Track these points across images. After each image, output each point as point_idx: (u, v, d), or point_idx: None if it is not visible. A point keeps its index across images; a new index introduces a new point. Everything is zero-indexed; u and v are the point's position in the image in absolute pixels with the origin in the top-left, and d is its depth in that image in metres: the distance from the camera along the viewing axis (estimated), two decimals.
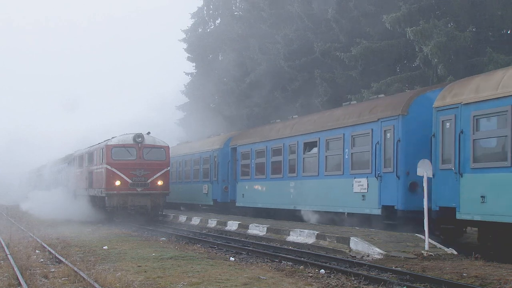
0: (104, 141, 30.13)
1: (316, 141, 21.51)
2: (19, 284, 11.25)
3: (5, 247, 16.94)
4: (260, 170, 25.80)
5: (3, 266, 13.68)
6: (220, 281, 11.21)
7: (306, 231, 17.97)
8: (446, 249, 14.49)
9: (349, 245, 15.53)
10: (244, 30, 40.27)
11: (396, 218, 17.57)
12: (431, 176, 14.43)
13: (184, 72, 49.80)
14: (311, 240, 17.25)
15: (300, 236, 18.07)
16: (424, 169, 14.41)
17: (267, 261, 14.76)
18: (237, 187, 28.20)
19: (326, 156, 20.98)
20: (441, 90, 15.98)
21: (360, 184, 19.01)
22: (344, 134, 19.90)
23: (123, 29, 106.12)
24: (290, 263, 14.27)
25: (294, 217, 23.16)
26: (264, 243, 18.64)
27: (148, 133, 29.49)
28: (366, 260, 14.01)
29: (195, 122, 44.59)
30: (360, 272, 12.20)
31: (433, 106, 15.68)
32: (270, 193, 24.94)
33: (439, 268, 12.16)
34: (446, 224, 15.23)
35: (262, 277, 11.58)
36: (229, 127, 37.14)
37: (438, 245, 14.74)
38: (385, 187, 17.87)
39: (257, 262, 14.47)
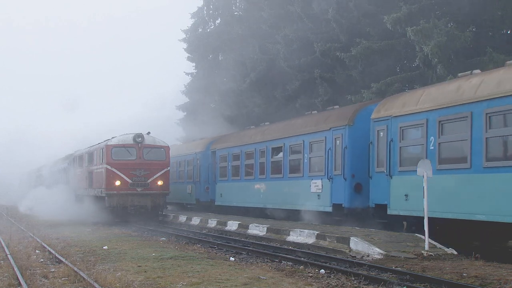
0: (104, 141, 30.13)
1: (281, 147, 23.97)
2: (19, 284, 11.25)
3: (5, 247, 16.94)
4: (235, 172, 28.13)
5: (3, 266, 13.68)
6: (220, 281, 11.21)
7: (306, 231, 17.98)
8: (446, 249, 14.49)
9: (349, 245, 15.53)
10: (244, 30, 40.26)
11: (343, 215, 20.16)
12: (431, 175, 14.44)
13: (184, 72, 49.82)
14: (311, 240, 17.25)
15: (300, 236, 18.07)
16: (424, 169, 14.41)
17: (267, 261, 14.77)
18: (216, 187, 30.46)
19: (289, 160, 23.41)
20: (378, 104, 18.70)
21: (316, 185, 21.44)
22: (303, 140, 22.39)
23: (123, 29, 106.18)
24: (290, 263, 14.28)
25: (264, 214, 25.46)
26: (264, 243, 18.64)
27: (148, 133, 29.50)
28: (366, 260, 14.01)
29: (195, 122, 44.57)
30: (360, 272, 12.21)
31: (371, 117, 18.40)
32: (243, 193, 27.08)
33: (439, 268, 12.16)
34: (381, 219, 17.80)
35: (262, 277, 11.58)
36: (229, 127, 37.13)
37: (438, 245, 14.75)
38: (335, 187, 20.33)
39: (257, 262, 14.47)
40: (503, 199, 13.29)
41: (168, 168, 29.58)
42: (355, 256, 14.65)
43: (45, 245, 17.77)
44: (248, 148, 26.75)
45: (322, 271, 12.67)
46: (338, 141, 20.35)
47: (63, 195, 35.77)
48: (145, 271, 12.52)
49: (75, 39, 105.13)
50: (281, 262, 14.62)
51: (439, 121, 15.65)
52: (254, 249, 17.33)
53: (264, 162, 25.28)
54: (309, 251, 16.06)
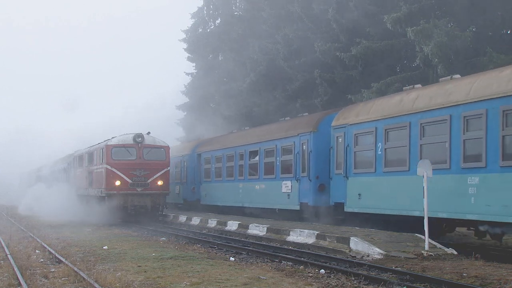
0: (104, 141, 30.12)
1: (257, 150, 26.04)
2: (19, 284, 11.25)
3: (5, 247, 16.94)
4: (218, 173, 30.31)
5: (3, 266, 13.68)
6: (220, 281, 11.21)
7: (306, 231, 17.98)
8: (446, 249, 14.49)
9: (349, 245, 15.53)
10: (244, 30, 40.25)
11: (309, 213, 22.14)
12: (431, 175, 14.45)
13: (184, 72, 49.83)
14: (311, 240, 17.25)
15: (300, 236, 18.07)
16: (424, 169, 14.41)
17: (267, 261, 14.76)
18: (201, 188, 32.62)
19: (264, 162, 25.50)
20: (337, 113, 20.91)
21: (286, 186, 23.55)
22: (276, 145, 24.52)
23: (123, 29, 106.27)
24: (290, 263, 14.27)
25: (242, 213, 27.43)
26: (264, 243, 18.64)
27: (148, 133, 29.49)
28: (366, 260, 14.01)
29: (195, 122, 44.60)
30: (360, 272, 12.20)
31: (331, 125, 20.64)
32: (225, 193, 29.27)
33: (439, 268, 12.16)
34: (340, 216, 20.35)
35: (262, 277, 11.58)
36: (229, 127, 37.17)
37: (438, 245, 14.75)
38: (302, 188, 22.42)
39: (257, 262, 14.47)
40: (435, 197, 15.08)
41: (168, 168, 29.58)
42: (355, 256, 14.65)
43: (45, 245, 17.77)
44: (229, 152, 28.88)
45: (322, 271, 12.67)
46: (304, 146, 22.36)
47: (63, 195, 35.77)
48: (145, 271, 12.51)
49: (75, 39, 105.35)
50: (281, 262, 14.62)
51: (385, 129, 17.83)
52: (254, 249, 17.32)
53: (243, 164, 27.35)
54: (309, 251, 16.06)
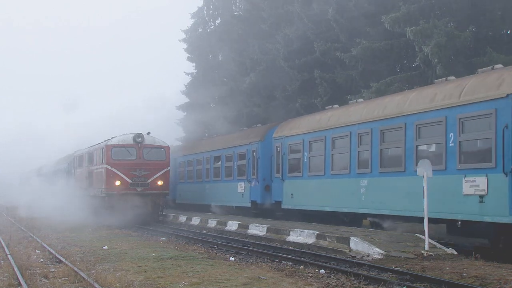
0: (104, 141, 30.12)
1: (220, 156, 30.39)
2: (19, 284, 11.25)
3: (5, 247, 16.95)
4: (190, 176, 34.89)
5: (3, 266, 13.69)
6: (220, 281, 11.21)
7: (306, 231, 17.98)
8: (446, 249, 14.49)
9: (349, 245, 15.53)
10: (244, 30, 40.23)
11: (257, 209, 26.44)
12: (431, 176, 14.46)
13: (184, 72, 49.79)
14: (311, 240, 17.26)
15: (300, 236, 18.08)
16: (424, 169, 14.41)
17: (267, 261, 14.77)
18: (176, 188, 36.45)
19: (225, 166, 29.83)
20: (278, 126, 25.64)
21: (241, 187, 27.66)
22: (234, 151, 28.80)
23: (123, 29, 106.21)
24: (290, 263, 14.28)
25: (209, 210, 31.54)
26: (264, 243, 18.65)
27: (148, 133, 29.49)
28: (366, 260, 14.01)
29: (195, 122, 44.58)
30: (360, 272, 12.21)
31: (272, 136, 25.24)
32: (195, 192, 33.39)
33: (439, 268, 12.17)
34: (279, 212, 24.93)
35: (262, 277, 11.58)
36: (229, 127, 37.18)
37: (438, 245, 14.76)
38: (253, 188, 26.54)
39: (257, 262, 14.48)
40: (340, 196, 20.13)
41: (168, 168, 29.58)
42: (355, 256, 14.65)
43: (45, 245, 17.77)
44: (199, 156, 33.42)
45: (322, 271, 12.67)
46: (254, 153, 26.64)
47: (63, 196, 35.75)
48: (145, 271, 12.51)
49: (75, 39, 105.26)
50: (281, 262, 14.62)
51: (309, 141, 22.25)
52: (254, 249, 17.33)
53: (209, 168, 31.93)
54: (309, 251, 16.06)
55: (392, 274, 11.97)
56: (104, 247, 17.33)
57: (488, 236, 14.91)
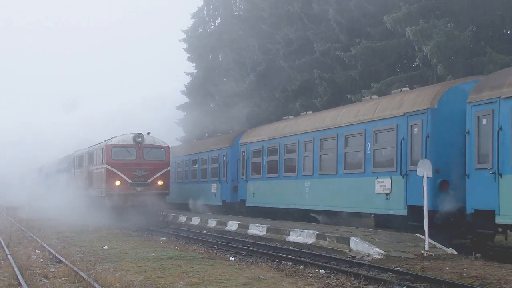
0: (104, 141, 30.12)
1: (197, 159, 33.85)
2: (19, 284, 11.25)
3: (5, 247, 16.94)
4: (172, 177, 36.13)
5: (3, 266, 13.68)
6: (220, 281, 11.21)
7: (306, 231, 17.98)
8: (446, 249, 14.49)
9: (349, 245, 15.53)
10: (244, 30, 40.22)
11: (227, 207, 29.76)
12: (431, 176, 14.47)
13: (184, 72, 49.78)
14: (311, 240, 17.26)
15: (300, 236, 18.08)
16: (424, 169, 14.42)
17: (267, 261, 14.77)
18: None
19: (201, 169, 33.20)
20: (244, 134, 28.85)
21: (214, 187, 31.04)
22: (208, 155, 32.30)
23: (123, 29, 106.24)
24: (290, 263, 14.28)
25: (187, 208, 33.92)
26: (264, 243, 18.65)
27: (148, 133, 29.49)
28: (366, 260, 14.01)
29: (195, 122, 44.56)
30: (360, 272, 12.21)
31: (239, 142, 28.49)
32: (178, 192, 34.78)
33: (439, 268, 12.17)
34: (245, 209, 27.76)
35: (262, 277, 11.58)
36: (228, 127, 37.19)
37: (438, 245, 14.75)
38: (223, 188, 30.02)
39: (257, 262, 14.48)
40: (290, 195, 23.53)
41: (168, 168, 29.58)
42: (355, 256, 14.65)
43: (45, 245, 17.76)
44: (179, 159, 36.41)
45: (322, 271, 12.67)
46: (224, 157, 29.92)
47: (63, 196, 35.75)
48: (145, 271, 12.51)
49: (75, 39, 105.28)
50: (281, 262, 14.62)
51: (268, 147, 25.51)
52: (254, 249, 17.33)
53: (187, 170, 35.46)
54: (309, 251, 16.06)
55: (392, 274, 11.98)
56: (104, 247, 17.32)
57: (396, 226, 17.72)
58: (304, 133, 22.66)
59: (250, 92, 37.23)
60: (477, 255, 13.38)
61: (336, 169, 20.38)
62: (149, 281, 11.31)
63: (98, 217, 28.54)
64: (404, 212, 16.85)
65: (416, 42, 24.43)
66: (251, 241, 19.56)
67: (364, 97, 25.98)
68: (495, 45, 23.89)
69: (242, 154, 27.83)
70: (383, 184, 17.78)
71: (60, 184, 39.50)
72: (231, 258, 15.33)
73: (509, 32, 25.57)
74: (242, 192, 27.77)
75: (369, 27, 28.30)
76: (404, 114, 17.13)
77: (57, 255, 15.28)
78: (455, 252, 14.22)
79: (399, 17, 25.19)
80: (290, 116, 26.66)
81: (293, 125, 24.19)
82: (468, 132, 14.74)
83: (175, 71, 70.86)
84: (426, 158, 15.62)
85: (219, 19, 49.54)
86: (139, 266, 13.35)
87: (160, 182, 28.79)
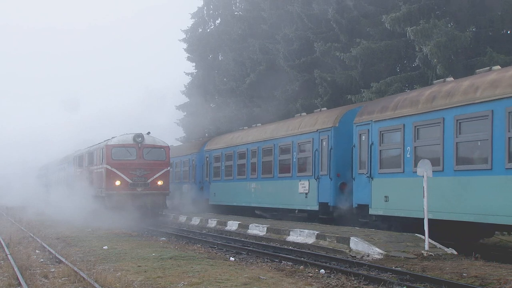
0: (104, 141, 30.10)
1: (179, 162, 36.93)
2: (19, 284, 11.25)
3: (5, 247, 16.93)
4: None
5: (3, 266, 13.68)
6: (220, 281, 11.21)
7: (306, 231, 17.98)
8: (446, 249, 14.49)
9: (349, 245, 15.53)
10: (244, 30, 40.22)
11: (195, 205, 32.87)
12: (431, 176, 14.49)
13: (184, 72, 49.79)
14: (311, 240, 17.25)
15: (300, 236, 18.08)
16: (424, 169, 14.42)
17: (267, 261, 14.77)
18: None
19: (175, 171, 36.63)
20: (209, 141, 33.79)
21: (186, 187, 35.21)
22: (181, 160, 36.30)
23: (123, 30, 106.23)
24: (290, 263, 14.28)
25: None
26: (264, 243, 18.65)
27: (148, 133, 29.48)
28: (366, 260, 14.01)
29: (195, 122, 44.54)
30: (360, 272, 12.21)
31: (204, 149, 33.03)
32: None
33: (439, 268, 12.17)
34: (208, 206, 31.46)
35: (262, 277, 11.58)
36: (228, 127, 37.18)
37: (438, 245, 14.76)
38: (192, 189, 34.15)
39: (257, 262, 14.48)
40: (241, 194, 27.60)
41: (168, 168, 29.57)
42: (355, 256, 14.65)
43: (45, 245, 17.76)
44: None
45: (322, 271, 12.67)
46: (193, 161, 34.46)
47: (63, 196, 35.72)
48: (145, 271, 12.51)
49: (75, 40, 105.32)
50: (281, 262, 14.62)
51: (225, 154, 29.90)
52: (254, 249, 17.33)
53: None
54: (309, 251, 16.06)
55: (392, 274, 11.98)
56: (104, 247, 17.32)
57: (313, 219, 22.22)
58: (251, 142, 27.09)
59: (250, 92, 37.22)
60: (477, 255, 13.38)
61: (273, 173, 25.01)
62: (149, 281, 11.31)
63: (98, 217, 28.50)
64: (316, 207, 21.57)
65: (416, 42, 24.43)
66: (251, 241, 19.57)
67: (364, 97, 26.06)
68: (495, 45, 23.88)
69: (206, 159, 32.48)
70: (303, 186, 22.45)
71: (60, 184, 39.45)
72: (231, 258, 15.33)
73: (509, 32, 25.56)
74: (206, 192, 32.30)
75: (369, 27, 28.30)
76: (317, 130, 21.90)
77: (57, 255, 15.28)
78: (455, 252, 14.23)
79: (399, 17, 25.18)
80: (245, 127, 30.73)
81: (244, 136, 28.52)
82: (354, 146, 19.32)
83: (175, 71, 70.86)
84: (330, 166, 20.82)
85: (219, 19, 49.53)
86: (139, 266, 13.36)
87: (160, 182, 28.77)
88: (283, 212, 24.73)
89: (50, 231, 23.82)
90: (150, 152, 28.85)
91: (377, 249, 14.47)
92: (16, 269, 12.66)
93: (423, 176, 14.38)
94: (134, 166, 28.39)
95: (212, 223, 24.95)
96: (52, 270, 13.18)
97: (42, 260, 15.11)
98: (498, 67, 15.63)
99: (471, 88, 14.92)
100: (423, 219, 14.47)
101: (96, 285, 10.58)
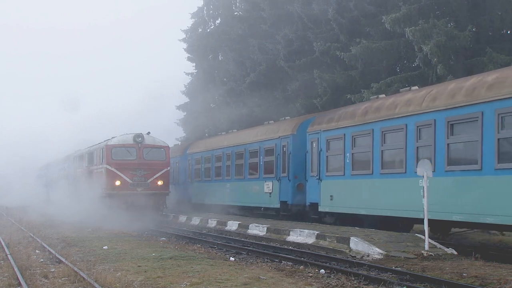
0: (104, 141, 30.09)
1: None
2: (19, 284, 11.25)
3: (5, 247, 16.93)
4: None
5: (3, 266, 13.68)
6: (220, 281, 11.21)
7: (306, 231, 17.98)
8: (446, 249, 14.49)
9: (349, 245, 15.53)
10: (244, 30, 40.21)
11: (179, 204, 35.04)
12: (431, 176, 14.49)
13: (184, 72, 49.75)
14: (311, 240, 17.25)
15: (300, 236, 18.07)
16: (424, 169, 14.42)
17: (267, 261, 14.77)
18: None
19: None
20: (190, 146, 36.10)
21: (171, 188, 32.76)
22: (173, 161, 35.69)
23: (123, 30, 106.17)
24: (290, 263, 14.28)
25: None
26: (264, 243, 18.64)
27: (148, 133, 29.47)
28: (366, 260, 14.01)
29: (195, 122, 44.50)
30: (360, 272, 12.21)
31: (187, 152, 35.47)
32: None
33: (439, 268, 12.17)
34: (191, 205, 33.90)
35: (262, 277, 11.58)
36: (228, 127, 37.18)
37: (438, 245, 14.76)
38: (177, 189, 35.65)
39: (257, 262, 14.47)
40: (218, 193, 30.13)
41: (168, 168, 29.56)
42: (355, 256, 14.65)
43: (45, 245, 17.76)
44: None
45: (322, 271, 12.67)
46: (177, 164, 36.64)
47: (63, 196, 35.71)
48: (145, 271, 12.51)
49: (75, 40, 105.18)
50: (281, 262, 14.62)
51: (204, 157, 32.59)
52: (254, 249, 17.33)
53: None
54: (309, 251, 16.06)
55: (392, 274, 11.98)
56: (104, 247, 17.31)
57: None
58: (227, 147, 29.65)
59: (250, 92, 37.22)
60: (477, 255, 13.38)
61: (243, 174, 27.50)
62: (149, 281, 11.31)
63: (98, 217, 28.47)
64: (278, 205, 24.44)
65: (416, 42, 24.42)
66: (251, 241, 19.56)
67: (364, 97, 26.06)
68: (495, 45, 23.89)
69: (189, 162, 34.84)
70: (268, 186, 25.11)
71: (60, 184, 39.43)
72: (231, 258, 15.33)
73: (509, 32, 25.57)
74: (189, 192, 34.66)
75: (369, 27, 28.30)
76: (279, 137, 24.55)
77: (57, 255, 15.28)
78: (455, 252, 14.22)
79: (398, 17, 25.18)
80: (223, 133, 33.82)
81: (221, 140, 31.23)
82: (307, 152, 22.07)
83: (175, 71, 70.76)
84: (289, 168, 23.52)
85: (219, 19, 49.51)
86: (139, 266, 13.35)
87: (160, 182, 28.76)
88: (252, 210, 27.57)
89: (50, 231, 23.81)
90: (150, 152, 28.85)
91: (377, 249, 14.46)
92: (16, 269, 12.66)
93: (423, 176, 14.38)
94: (134, 166, 28.38)
95: (212, 223, 24.95)
96: (52, 270, 13.18)
97: (42, 260, 15.11)
98: (416, 87, 18.42)
99: (393, 105, 17.65)
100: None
101: (96, 285, 10.58)
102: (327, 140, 20.66)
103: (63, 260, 14.27)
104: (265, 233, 20.17)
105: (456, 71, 23.31)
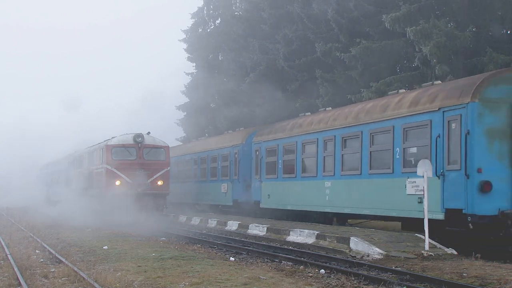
0: (104, 141, 30.09)
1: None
2: (19, 284, 11.25)
3: (5, 247, 16.94)
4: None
5: (3, 266, 13.68)
6: (220, 281, 11.20)
7: (306, 231, 17.98)
8: (446, 249, 14.49)
9: (349, 245, 15.53)
10: (244, 30, 40.19)
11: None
12: (431, 176, 14.50)
13: (184, 72, 49.72)
14: (311, 240, 17.25)
15: (300, 236, 18.08)
16: (424, 169, 14.42)
17: (267, 261, 14.77)
18: None
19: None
20: (171, 150, 34.75)
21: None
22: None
23: (123, 30, 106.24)
24: (290, 263, 14.28)
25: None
26: (264, 243, 18.65)
27: (148, 133, 29.46)
28: (366, 260, 14.01)
29: (195, 122, 44.47)
30: (360, 272, 12.21)
31: (170, 156, 32.75)
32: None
33: (439, 268, 12.17)
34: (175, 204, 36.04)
35: (262, 277, 11.58)
36: (228, 127, 37.17)
37: (438, 245, 14.76)
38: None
39: (257, 262, 14.47)
40: (193, 193, 34.07)
41: (168, 168, 29.55)
42: (355, 256, 14.65)
43: (45, 245, 17.76)
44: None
45: (322, 271, 12.67)
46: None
47: (63, 196, 35.72)
48: (145, 271, 12.51)
49: (75, 40, 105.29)
50: (281, 262, 14.62)
51: (185, 160, 35.96)
52: (254, 249, 17.33)
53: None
54: (309, 251, 16.06)
55: (392, 274, 11.98)
56: (104, 247, 17.31)
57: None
58: (197, 152, 34.23)
59: (250, 92, 37.20)
60: (477, 255, 13.38)
61: (206, 176, 32.45)
62: (149, 281, 11.30)
63: (98, 217, 28.47)
64: (231, 203, 28.73)
65: (416, 42, 24.42)
66: (251, 241, 19.57)
67: (364, 97, 26.04)
68: (495, 45, 23.88)
69: (177, 165, 37.83)
70: (224, 187, 29.66)
71: (60, 184, 39.42)
72: (231, 258, 15.33)
73: (509, 32, 25.57)
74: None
75: (369, 27, 28.30)
76: (232, 146, 29.25)
77: (57, 255, 15.28)
78: (455, 252, 14.22)
79: (399, 17, 25.17)
80: (203, 137, 37.91)
81: (192, 146, 36.03)
82: (252, 158, 26.89)
83: (175, 71, 70.71)
84: (239, 172, 28.17)
85: (219, 19, 49.51)
86: (139, 266, 13.35)
87: (160, 182, 28.75)
88: (212, 207, 32.27)
89: (50, 231, 23.81)
90: (150, 152, 28.84)
91: (377, 249, 14.47)
92: (16, 269, 12.66)
93: (423, 176, 14.38)
94: (134, 166, 28.37)
95: (212, 223, 24.95)
96: (52, 270, 13.18)
97: (42, 260, 15.11)
98: (330, 108, 23.43)
99: (310, 122, 22.34)
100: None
101: (96, 285, 10.58)
102: (266, 149, 25.41)
103: (63, 260, 14.27)
104: (265, 233, 20.18)
105: (456, 71, 23.30)
